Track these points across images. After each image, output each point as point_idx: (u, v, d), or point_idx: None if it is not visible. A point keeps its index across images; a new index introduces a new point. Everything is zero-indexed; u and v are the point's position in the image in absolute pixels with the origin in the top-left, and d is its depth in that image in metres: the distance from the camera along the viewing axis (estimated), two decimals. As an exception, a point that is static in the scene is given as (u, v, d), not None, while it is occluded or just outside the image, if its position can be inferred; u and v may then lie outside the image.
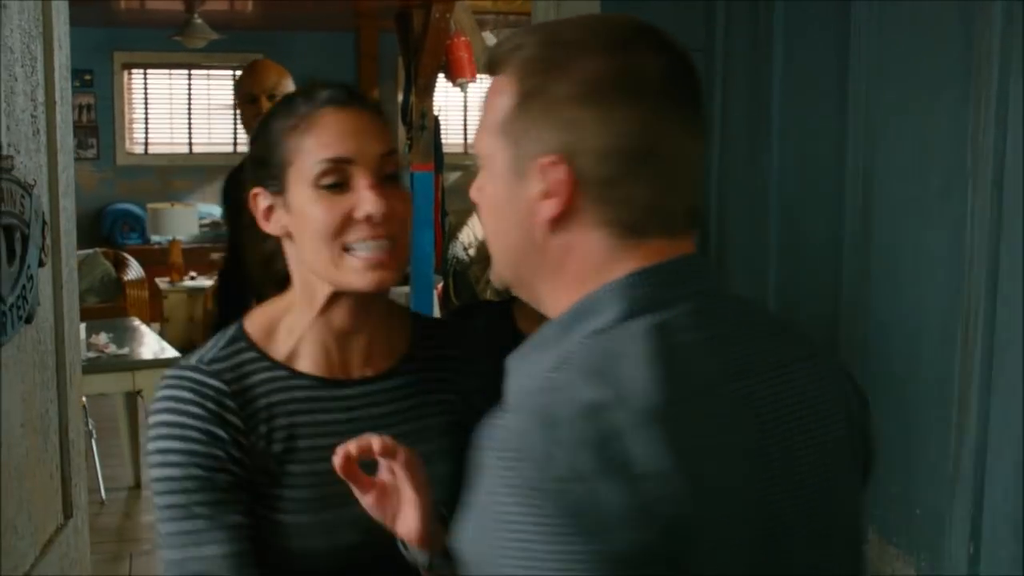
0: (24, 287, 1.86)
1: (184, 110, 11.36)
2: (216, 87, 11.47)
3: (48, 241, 2.02)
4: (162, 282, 8.85)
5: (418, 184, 8.64)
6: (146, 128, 11.27)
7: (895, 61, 1.96)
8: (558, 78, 1.06)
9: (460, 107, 11.16)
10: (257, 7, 9.60)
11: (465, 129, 11.57)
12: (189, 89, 11.38)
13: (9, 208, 1.80)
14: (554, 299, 1.11)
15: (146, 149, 11.19)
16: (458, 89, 8.79)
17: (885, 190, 2.01)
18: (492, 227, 1.15)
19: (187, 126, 11.41)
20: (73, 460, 2.18)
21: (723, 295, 1.15)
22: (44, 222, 1.99)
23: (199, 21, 8.46)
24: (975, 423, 1.75)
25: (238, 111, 3.76)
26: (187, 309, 8.75)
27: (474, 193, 1.17)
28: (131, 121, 11.14)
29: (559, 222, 1.07)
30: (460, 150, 11.25)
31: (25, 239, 1.87)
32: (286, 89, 3.44)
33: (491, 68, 1.13)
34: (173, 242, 9.10)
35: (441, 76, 8.69)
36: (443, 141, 9.17)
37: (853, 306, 2.11)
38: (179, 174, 11.30)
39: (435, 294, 8.96)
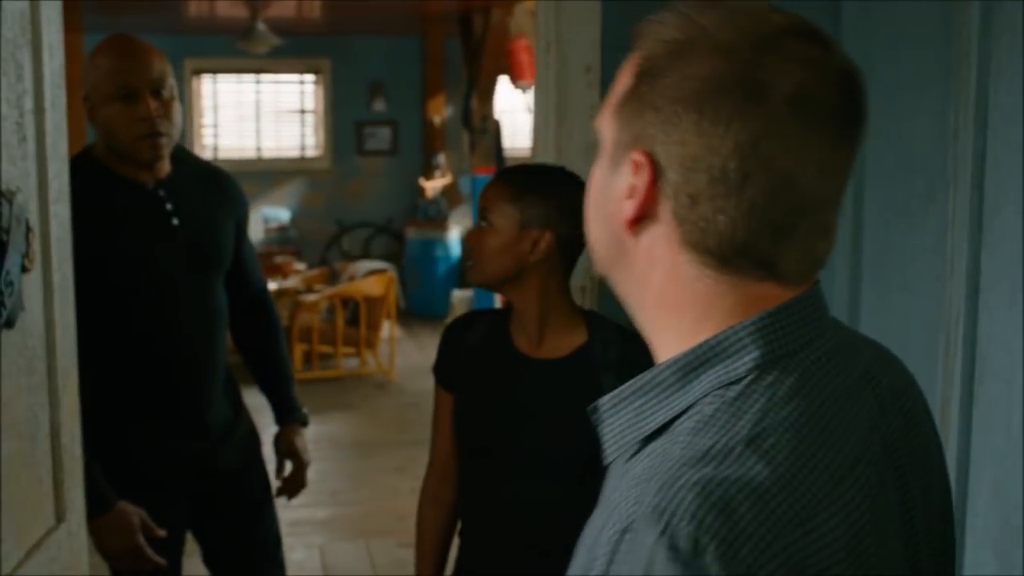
0: (2, 293, 1.88)
1: (253, 115, 11.51)
2: (284, 92, 11.61)
3: (34, 247, 2.04)
4: (227, 285, 8.95)
5: (480, 188, 8.65)
6: (215, 133, 11.45)
7: (882, 60, 1.91)
8: (671, 68, 0.93)
9: (523, 110, 11.13)
10: (324, 12, 9.69)
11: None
12: (258, 94, 11.54)
13: (-17, 215, 1.81)
14: (641, 308, 1.02)
15: (215, 154, 11.37)
16: (520, 92, 8.80)
17: (874, 193, 1.96)
18: (588, 213, 1.05)
19: (255, 130, 11.56)
20: (66, 464, 2.19)
21: (837, 341, 1.01)
22: (29, 229, 2.01)
23: (262, 27, 8.57)
24: (956, 440, 1.69)
25: (96, 111, 2.55)
26: (251, 312, 8.84)
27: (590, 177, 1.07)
28: (201, 126, 11.33)
29: (637, 226, 0.96)
30: (525, 153, 11.25)
31: (3, 246, 1.89)
32: (172, 80, 2.58)
33: (632, 40, 0.98)
34: (238, 245, 9.20)
35: (504, 79, 8.71)
36: (505, 144, 9.18)
37: (843, 314, 2.05)
38: (247, 178, 11.43)
39: (498, 299, 8.97)
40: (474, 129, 8.77)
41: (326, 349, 8.14)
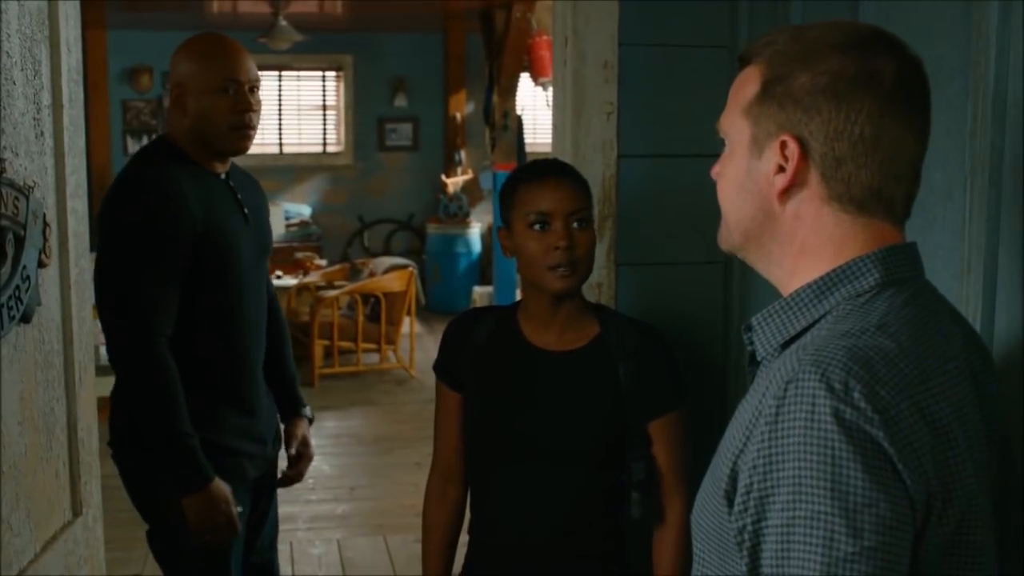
0: (18, 288, 1.88)
1: (275, 111, 11.54)
2: (306, 88, 11.64)
3: (51, 242, 2.05)
4: (248, 280, 8.93)
5: (500, 184, 8.64)
6: (238, 129, 11.48)
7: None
8: (800, 70, 1.23)
9: (544, 107, 11.12)
10: (346, 9, 9.70)
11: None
12: (280, 90, 11.56)
13: (1, 211, 1.82)
14: (781, 263, 1.30)
15: (238, 150, 11.39)
16: (541, 88, 8.79)
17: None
18: (730, 197, 1.33)
19: (277, 127, 11.59)
20: (83, 458, 2.20)
21: (932, 286, 1.33)
22: (46, 224, 2.02)
23: (284, 23, 8.59)
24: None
25: (191, 99, 2.64)
26: (272, 307, 8.85)
27: (714, 170, 1.36)
28: (223, 122, 11.36)
29: (788, 193, 1.26)
30: (546, 149, 11.22)
31: (20, 240, 1.90)
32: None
33: (744, 60, 1.32)
34: (260, 241, 9.20)
35: (525, 76, 8.69)
36: (527, 141, 9.16)
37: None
38: (269, 174, 11.48)
39: (519, 294, 8.95)
40: (495, 125, 8.75)
41: (346, 345, 8.16)
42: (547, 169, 2.20)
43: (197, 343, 2.63)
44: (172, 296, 2.56)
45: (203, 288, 2.61)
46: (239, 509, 2.64)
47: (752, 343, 1.33)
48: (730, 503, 1.20)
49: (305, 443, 2.99)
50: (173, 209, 2.55)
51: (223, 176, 2.73)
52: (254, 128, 2.69)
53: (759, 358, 1.33)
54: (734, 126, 1.31)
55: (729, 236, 1.36)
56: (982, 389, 1.26)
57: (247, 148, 2.69)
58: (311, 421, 3.04)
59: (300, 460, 2.99)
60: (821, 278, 1.25)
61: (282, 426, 2.99)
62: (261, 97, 2.73)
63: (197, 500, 2.56)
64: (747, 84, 1.29)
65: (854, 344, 1.16)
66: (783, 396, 1.14)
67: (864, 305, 1.22)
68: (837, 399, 1.11)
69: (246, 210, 2.73)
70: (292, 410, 3.01)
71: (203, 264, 2.59)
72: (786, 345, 1.28)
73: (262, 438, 2.81)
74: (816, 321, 1.25)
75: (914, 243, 1.29)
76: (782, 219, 1.28)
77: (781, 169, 1.25)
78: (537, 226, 2.11)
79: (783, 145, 1.24)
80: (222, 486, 2.60)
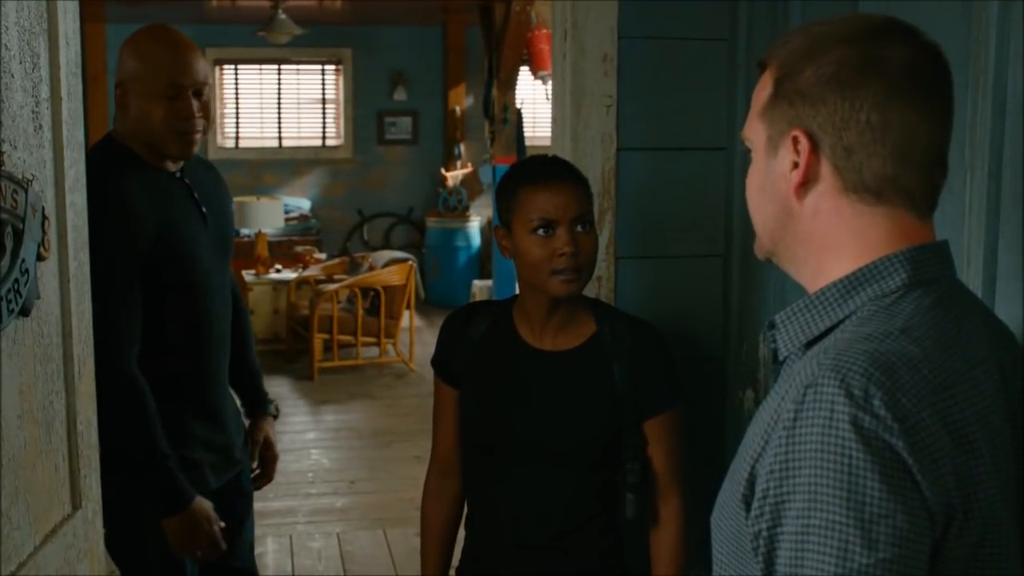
0: (17, 281, 1.88)
1: (274, 105, 11.53)
2: (305, 82, 11.63)
3: (50, 236, 2.04)
4: (248, 275, 8.94)
5: (500, 177, 8.62)
6: (237, 123, 11.47)
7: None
8: (807, 64, 1.23)
9: (544, 100, 11.11)
10: (345, 2, 9.69)
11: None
12: (279, 84, 11.56)
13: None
14: (805, 262, 1.29)
15: (237, 143, 11.40)
16: (540, 82, 8.78)
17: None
18: (755, 202, 1.33)
19: (276, 120, 11.58)
20: (82, 451, 2.20)
21: (961, 285, 1.30)
22: (44, 217, 2.01)
23: (283, 17, 8.59)
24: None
25: (132, 100, 2.51)
26: (271, 301, 8.86)
27: (747, 180, 1.36)
28: (222, 116, 11.35)
29: (805, 188, 1.25)
30: (546, 143, 11.21)
31: (19, 234, 1.89)
32: (210, 81, 2.63)
33: (762, 65, 1.32)
34: (259, 235, 9.22)
35: (525, 69, 8.68)
36: (527, 134, 9.16)
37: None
38: (268, 168, 11.48)
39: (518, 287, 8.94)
40: (495, 119, 8.75)
41: (346, 338, 8.16)
42: (549, 171, 2.15)
43: (164, 355, 2.55)
44: (135, 312, 2.47)
45: (165, 299, 2.53)
46: (222, 524, 2.59)
47: (775, 341, 1.32)
48: (747, 507, 1.18)
49: (268, 445, 2.94)
50: (122, 223, 2.44)
51: (178, 174, 2.61)
52: (198, 133, 2.54)
53: (781, 357, 1.32)
54: (754, 131, 1.31)
55: (760, 242, 1.35)
56: (1011, 391, 1.24)
57: (191, 154, 2.57)
58: (276, 416, 2.98)
59: (267, 463, 2.94)
60: (847, 277, 1.23)
61: (246, 422, 2.93)
62: (211, 95, 2.59)
63: (178, 521, 2.51)
64: (763, 88, 1.29)
65: (876, 349, 1.14)
66: (802, 401, 1.12)
67: (889, 307, 1.20)
68: (856, 406, 1.09)
69: (204, 209, 2.63)
70: (256, 408, 2.94)
71: (162, 274, 2.50)
72: (810, 345, 1.26)
73: (227, 447, 2.73)
74: (841, 321, 1.23)
75: (945, 241, 1.27)
76: (802, 216, 1.26)
77: (796, 165, 1.24)
78: (541, 231, 2.07)
79: (795, 141, 1.24)
80: (204, 504, 2.54)
